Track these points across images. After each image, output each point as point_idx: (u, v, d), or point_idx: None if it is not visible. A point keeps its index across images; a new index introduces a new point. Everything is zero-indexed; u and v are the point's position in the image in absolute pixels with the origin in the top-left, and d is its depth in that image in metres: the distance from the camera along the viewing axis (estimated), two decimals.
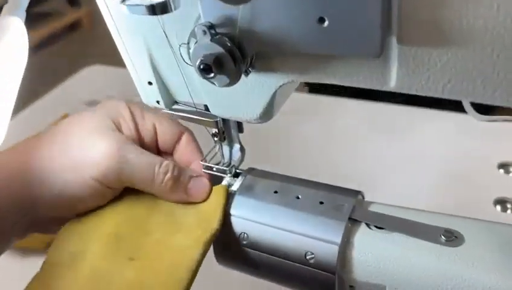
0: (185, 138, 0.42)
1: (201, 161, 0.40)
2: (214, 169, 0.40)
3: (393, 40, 0.25)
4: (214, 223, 0.39)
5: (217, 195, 0.41)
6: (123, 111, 0.40)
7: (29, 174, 0.38)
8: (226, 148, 0.41)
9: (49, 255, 0.39)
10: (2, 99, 0.32)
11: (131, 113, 0.41)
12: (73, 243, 0.39)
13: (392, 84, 0.26)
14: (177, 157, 0.43)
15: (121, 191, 0.41)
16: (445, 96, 0.25)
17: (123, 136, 0.39)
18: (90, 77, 1.12)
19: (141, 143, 0.42)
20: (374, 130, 0.84)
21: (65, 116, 0.94)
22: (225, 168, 0.40)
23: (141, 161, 0.38)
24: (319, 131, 0.85)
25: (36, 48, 2.69)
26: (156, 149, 0.43)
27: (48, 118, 0.94)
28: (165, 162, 0.39)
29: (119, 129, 0.40)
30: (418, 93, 0.26)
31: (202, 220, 0.40)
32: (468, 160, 0.75)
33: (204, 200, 0.41)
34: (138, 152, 0.39)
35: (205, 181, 0.41)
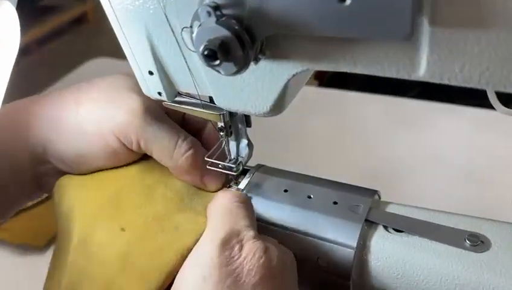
0: (209, 127, 0.41)
1: (206, 157, 0.37)
2: (220, 166, 0.37)
3: (425, 22, 0.22)
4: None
5: None
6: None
7: (50, 123, 0.38)
8: (232, 144, 0.38)
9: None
10: None
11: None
12: (68, 197, 0.37)
13: (422, 72, 0.23)
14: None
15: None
16: (482, 86, 0.22)
17: (153, 102, 0.37)
18: (95, 70, 1.10)
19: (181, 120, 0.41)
20: (388, 125, 0.82)
21: None
22: (232, 165, 0.38)
23: (165, 128, 0.37)
24: (330, 126, 0.83)
25: (42, 42, 2.70)
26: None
27: None
28: (190, 138, 0.38)
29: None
30: (450, 83, 0.23)
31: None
32: (490, 157, 0.73)
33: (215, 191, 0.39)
34: (164, 118, 0.37)
35: (219, 175, 0.39)
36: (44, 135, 0.38)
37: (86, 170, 0.39)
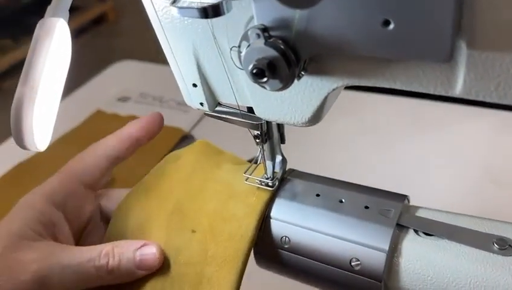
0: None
1: (244, 173, 0.40)
2: (257, 181, 0.40)
3: (462, 44, 0.23)
4: (268, 193, 0.40)
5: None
6: (45, 209, 0.38)
7: None
8: (269, 163, 0.40)
9: (112, 226, 0.41)
10: (48, 103, 0.32)
11: (54, 204, 0.38)
12: (138, 216, 0.41)
13: (458, 89, 0.25)
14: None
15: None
16: None
17: (47, 243, 0.36)
18: (121, 73, 1.12)
19: (76, 217, 0.40)
20: (408, 127, 0.82)
21: (98, 112, 0.94)
22: (268, 181, 0.40)
23: (76, 266, 0.35)
24: (351, 128, 0.84)
25: None
26: (93, 190, 0.43)
27: (81, 113, 0.95)
28: (103, 250, 0.36)
29: (46, 228, 0.37)
30: (485, 100, 0.24)
31: (256, 188, 0.40)
32: (510, 160, 0.73)
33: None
34: (69, 255, 0.36)
35: (152, 247, 0.38)
36: None
37: None
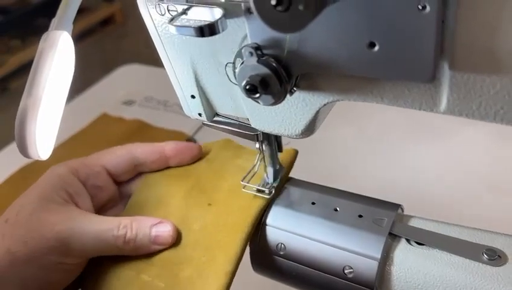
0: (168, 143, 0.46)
1: (242, 180, 0.42)
2: (254, 189, 0.41)
3: (445, 66, 0.24)
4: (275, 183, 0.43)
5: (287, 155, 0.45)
6: (68, 178, 0.41)
7: None
8: (269, 170, 0.42)
9: (135, 196, 0.45)
10: (51, 114, 0.33)
11: (77, 174, 0.42)
12: (159, 191, 0.45)
13: (442, 108, 0.26)
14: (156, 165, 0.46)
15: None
16: (497, 122, 0.25)
17: (71, 208, 0.39)
18: (127, 76, 1.13)
19: (96, 194, 0.43)
20: (409, 135, 0.83)
21: (104, 115, 0.96)
22: (264, 188, 0.41)
23: (94, 231, 0.38)
24: (351, 135, 0.84)
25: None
26: (115, 184, 0.45)
27: (87, 116, 0.96)
28: (122, 222, 0.39)
29: (71, 196, 0.40)
30: (468, 118, 0.25)
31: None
32: (509, 169, 0.73)
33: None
34: (89, 221, 0.39)
35: (167, 225, 0.40)
36: None
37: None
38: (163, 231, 0.40)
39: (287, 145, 0.45)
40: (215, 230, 0.41)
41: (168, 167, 0.47)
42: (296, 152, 0.47)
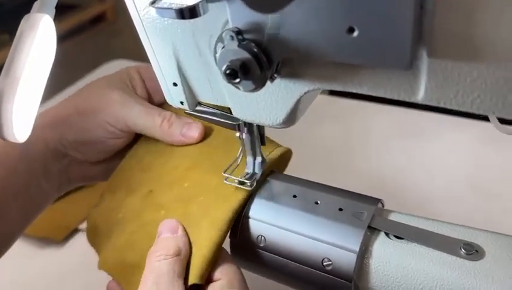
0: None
1: (224, 172, 0.41)
2: (236, 181, 0.41)
3: (423, 53, 0.24)
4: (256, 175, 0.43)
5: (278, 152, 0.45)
6: (134, 74, 0.50)
7: (59, 121, 0.48)
8: (250, 160, 0.41)
9: (126, 159, 0.50)
10: (30, 96, 0.33)
11: (140, 74, 0.50)
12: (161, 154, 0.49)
13: (420, 96, 0.26)
14: None
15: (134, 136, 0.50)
16: (474, 110, 0.25)
17: (132, 92, 0.49)
18: (113, 72, 1.12)
19: (150, 98, 0.51)
20: (394, 135, 0.84)
21: None
22: (246, 180, 0.41)
23: (142, 110, 0.47)
24: (337, 134, 0.85)
25: (61, 40, 2.74)
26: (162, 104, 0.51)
27: None
28: (163, 112, 0.47)
29: (133, 87, 0.50)
30: (445, 106, 0.26)
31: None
32: (494, 170, 0.74)
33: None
34: (141, 103, 0.48)
35: (198, 125, 0.47)
36: (58, 132, 0.47)
37: (96, 154, 0.49)
38: (193, 128, 0.47)
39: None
40: (220, 187, 0.42)
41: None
42: (290, 151, 0.47)
